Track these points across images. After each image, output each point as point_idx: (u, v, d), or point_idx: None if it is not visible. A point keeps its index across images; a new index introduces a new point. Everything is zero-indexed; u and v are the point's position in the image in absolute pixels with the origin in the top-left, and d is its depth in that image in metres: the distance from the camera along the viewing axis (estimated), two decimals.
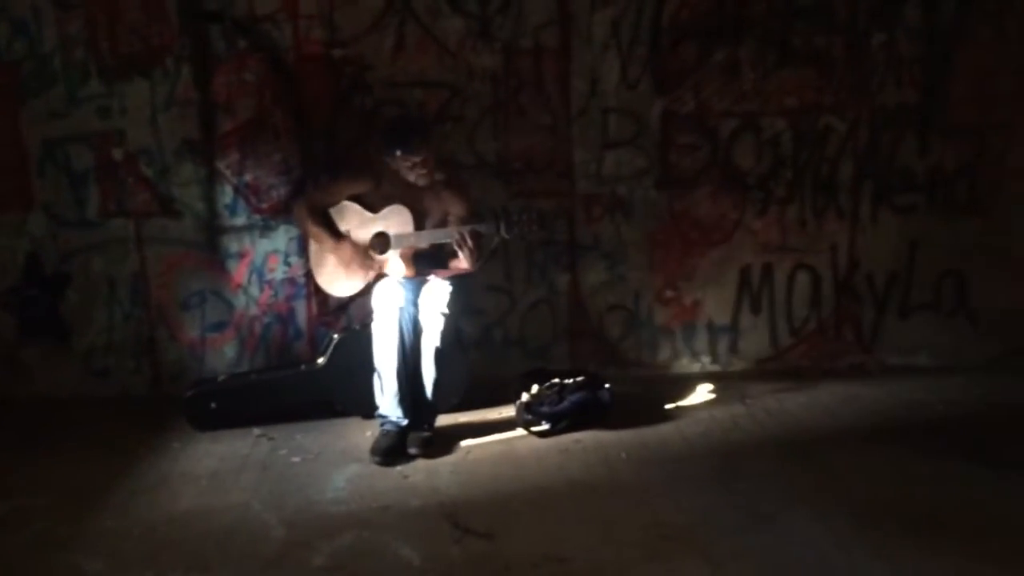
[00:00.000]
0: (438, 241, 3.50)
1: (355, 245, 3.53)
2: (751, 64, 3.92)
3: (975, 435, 3.48)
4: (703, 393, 3.99)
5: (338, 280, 3.62)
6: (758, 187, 4.06)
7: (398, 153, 3.37)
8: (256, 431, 3.62)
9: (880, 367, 4.21)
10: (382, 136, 3.48)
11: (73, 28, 3.69)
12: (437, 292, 3.46)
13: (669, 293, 4.14)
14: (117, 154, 3.80)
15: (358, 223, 3.55)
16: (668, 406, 3.83)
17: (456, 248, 3.44)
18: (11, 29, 3.68)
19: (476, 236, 3.44)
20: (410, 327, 3.45)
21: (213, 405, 3.64)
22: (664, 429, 3.62)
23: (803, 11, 3.89)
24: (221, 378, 3.78)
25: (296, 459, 3.39)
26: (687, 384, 4.07)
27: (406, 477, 3.24)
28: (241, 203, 3.90)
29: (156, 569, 2.64)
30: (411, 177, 3.44)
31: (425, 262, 3.56)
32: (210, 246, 3.92)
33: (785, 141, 4.01)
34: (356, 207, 3.55)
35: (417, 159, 3.37)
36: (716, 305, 4.17)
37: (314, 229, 3.54)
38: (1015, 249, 4.11)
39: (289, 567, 2.66)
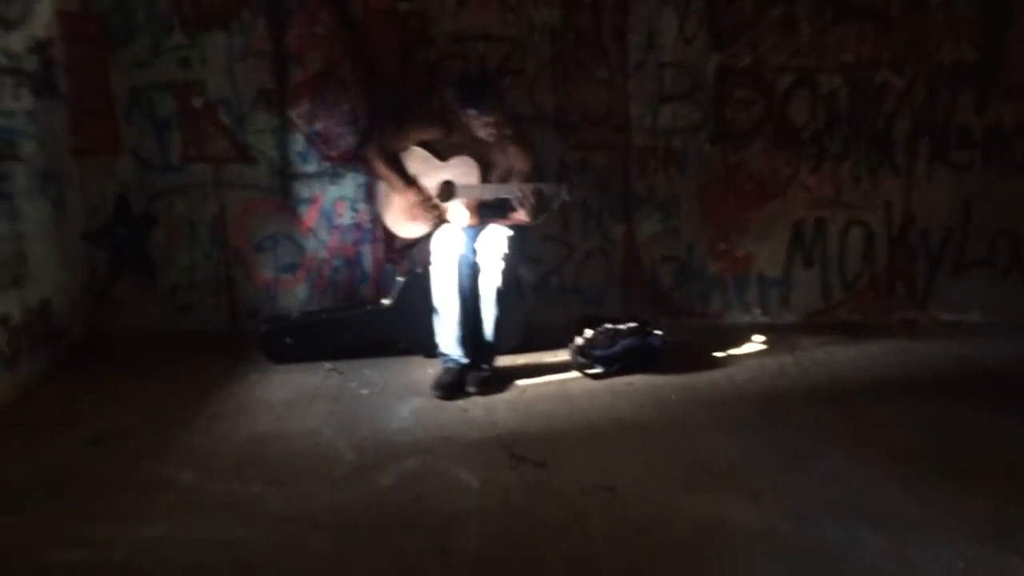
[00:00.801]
0: (501, 196, 3.66)
1: (421, 190, 3.71)
2: (808, 19, 3.98)
3: (1020, 389, 3.56)
4: (753, 343, 4.11)
5: (405, 221, 3.82)
6: (813, 142, 4.12)
7: (472, 112, 3.52)
8: (326, 365, 3.85)
9: (932, 323, 4.29)
10: (458, 92, 3.61)
11: None
12: (496, 237, 3.63)
13: (722, 245, 4.25)
14: (197, 102, 4.03)
15: (426, 169, 3.73)
16: (718, 354, 3.97)
17: (517, 204, 3.61)
18: None
19: (538, 194, 3.60)
20: (468, 271, 3.63)
21: (287, 340, 3.88)
22: (713, 375, 3.77)
23: None
24: (294, 315, 4.04)
25: (364, 391, 3.63)
26: (737, 334, 4.20)
27: (465, 411, 3.45)
28: (312, 151, 4.11)
29: (240, 481, 2.90)
30: (481, 134, 3.59)
31: (487, 212, 3.73)
32: (283, 192, 4.15)
33: (841, 97, 4.06)
34: (425, 153, 3.72)
35: (490, 119, 3.53)
36: (768, 258, 4.27)
37: (384, 171, 3.74)
38: None
39: (360, 485, 2.89)
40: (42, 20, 3.76)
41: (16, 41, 3.59)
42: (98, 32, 3.93)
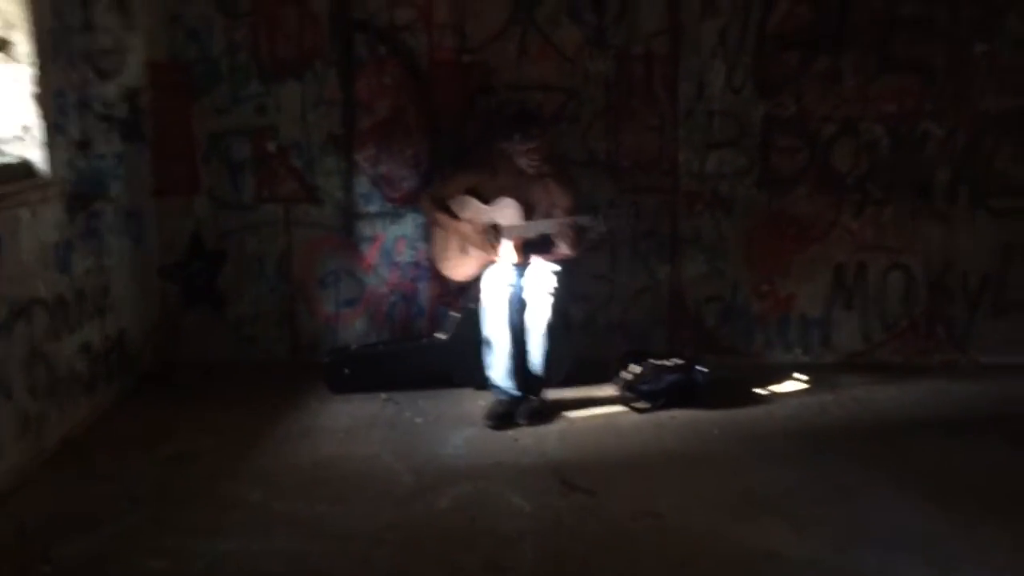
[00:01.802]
0: (543, 232, 3.86)
1: (471, 235, 3.92)
2: (852, 71, 4.14)
3: None
4: (794, 381, 4.22)
5: (458, 266, 4.04)
6: (855, 188, 4.26)
7: (516, 137, 3.75)
8: (383, 395, 4.03)
9: (973, 365, 4.35)
10: (505, 122, 3.88)
11: (239, 35, 4.18)
12: (543, 273, 3.81)
13: (765, 286, 4.38)
14: (271, 147, 4.28)
15: (474, 214, 3.94)
16: (759, 391, 4.08)
17: (558, 238, 3.80)
18: (186, 35, 4.19)
19: (576, 227, 3.79)
20: (517, 306, 3.81)
21: (347, 371, 4.08)
22: (755, 411, 3.88)
23: (904, 21, 4.08)
24: (354, 347, 4.25)
25: (419, 420, 3.81)
26: (779, 373, 4.29)
27: (516, 440, 3.61)
28: (375, 192, 4.34)
29: (306, 500, 3.09)
30: (523, 163, 3.80)
31: (532, 248, 3.92)
32: (346, 230, 4.37)
33: (883, 145, 4.21)
34: (472, 199, 3.94)
35: (532, 145, 3.75)
36: (810, 299, 4.39)
37: (437, 217, 3.96)
38: None
39: (418, 506, 3.06)
40: (133, 70, 4.07)
41: (110, 90, 3.89)
42: (182, 81, 4.22)
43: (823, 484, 3.18)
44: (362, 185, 4.34)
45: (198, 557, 2.74)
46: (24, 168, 3.38)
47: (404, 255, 4.40)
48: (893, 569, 2.63)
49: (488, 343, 3.84)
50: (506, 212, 3.87)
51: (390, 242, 4.39)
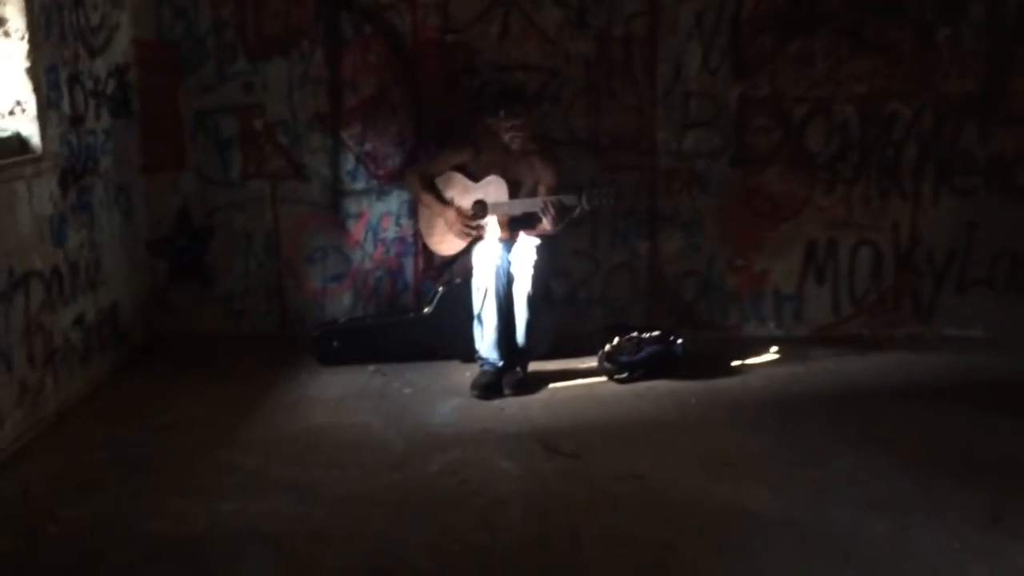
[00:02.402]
0: (528, 210, 3.98)
1: (458, 210, 4.03)
2: (824, 54, 4.28)
3: (1018, 397, 3.81)
4: (768, 353, 4.38)
5: (443, 241, 4.15)
6: (826, 167, 4.42)
7: (501, 114, 3.87)
8: (371, 367, 4.14)
9: (936, 337, 4.53)
10: (489, 99, 4.02)
11: (225, 13, 4.24)
12: (527, 248, 3.93)
13: (740, 262, 4.53)
14: (258, 124, 4.36)
15: (461, 190, 4.05)
16: (735, 363, 4.23)
17: (541, 215, 3.93)
18: (172, 13, 4.25)
19: (559, 206, 3.91)
20: (504, 280, 3.93)
21: (335, 344, 4.19)
22: (730, 381, 4.04)
23: (874, 6, 4.23)
24: (342, 321, 4.35)
25: (407, 391, 3.92)
26: (753, 345, 4.44)
27: (502, 409, 3.74)
28: (361, 170, 4.43)
29: (301, 465, 3.20)
30: (506, 138, 3.92)
31: (517, 225, 4.04)
32: (333, 207, 4.46)
33: (853, 125, 4.36)
34: (459, 176, 4.05)
35: (517, 122, 3.87)
36: (783, 275, 4.54)
37: (423, 195, 4.07)
38: None
39: (410, 470, 3.19)
40: (121, 47, 4.13)
41: (99, 67, 3.95)
42: (169, 58, 4.27)
43: (793, 447, 3.35)
44: (348, 162, 4.43)
45: (199, 518, 2.85)
46: (19, 142, 3.45)
47: (389, 231, 4.50)
48: (857, 524, 2.79)
49: (477, 317, 3.95)
50: (492, 189, 3.99)
51: (376, 218, 4.49)
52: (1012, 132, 4.33)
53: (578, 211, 4.01)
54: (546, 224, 3.94)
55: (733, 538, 2.75)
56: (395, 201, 4.46)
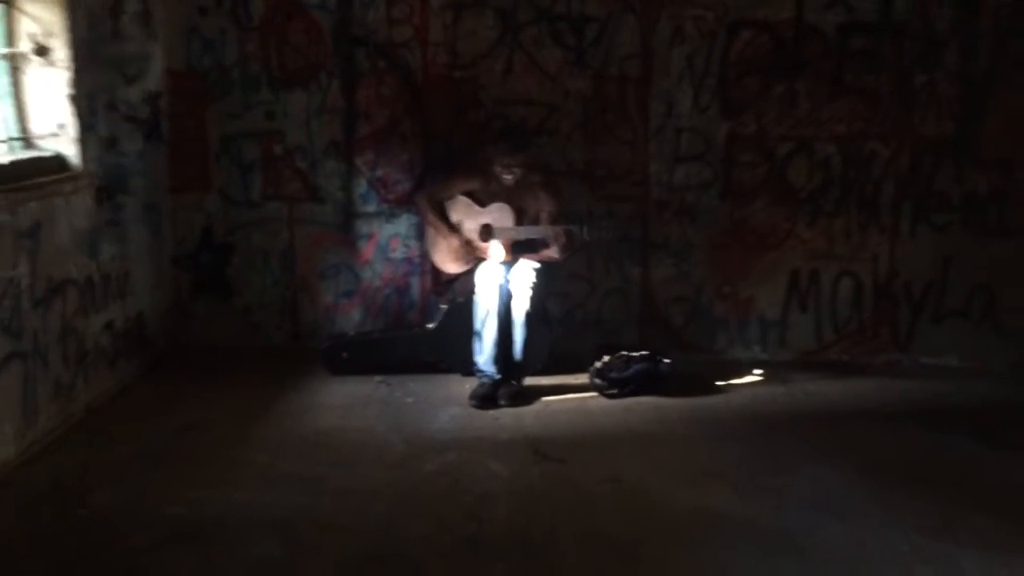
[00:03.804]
0: (532, 236, 4.28)
1: (464, 233, 4.34)
2: (807, 96, 4.57)
3: (985, 423, 4.02)
4: (751, 375, 4.63)
5: (449, 260, 4.45)
6: (809, 201, 4.69)
7: (500, 151, 4.19)
8: (377, 378, 4.41)
9: (913, 365, 4.77)
10: (492, 136, 4.35)
11: (250, 47, 4.58)
12: (526, 270, 4.22)
13: (727, 289, 4.79)
14: (278, 149, 4.68)
15: (467, 214, 4.36)
16: (719, 383, 4.49)
17: (550, 242, 4.21)
18: (202, 46, 4.59)
19: (568, 234, 4.20)
20: (504, 299, 4.22)
21: (344, 355, 4.47)
22: (713, 400, 4.29)
23: (854, 52, 4.52)
24: (351, 334, 4.65)
25: (409, 399, 4.20)
26: (738, 368, 4.68)
27: (497, 419, 4.01)
28: (372, 194, 4.74)
29: (308, 462, 3.48)
30: (503, 175, 4.22)
31: (519, 249, 4.34)
32: (345, 228, 4.77)
33: (834, 163, 4.64)
34: (467, 201, 4.36)
35: (511, 162, 4.18)
36: (768, 302, 4.80)
37: (431, 217, 4.38)
38: None
39: (408, 470, 3.46)
40: (154, 76, 4.47)
41: (134, 93, 4.29)
42: (198, 87, 4.61)
43: (765, 459, 3.60)
44: (360, 187, 4.74)
45: (214, 506, 3.12)
46: (59, 161, 3.78)
47: (398, 252, 4.80)
48: (815, 527, 3.05)
49: (477, 332, 4.24)
50: (497, 215, 4.29)
51: (385, 240, 4.79)
52: (984, 173, 4.59)
53: (579, 240, 4.29)
54: (553, 251, 4.22)
55: (700, 535, 3.00)
56: (404, 224, 4.77)
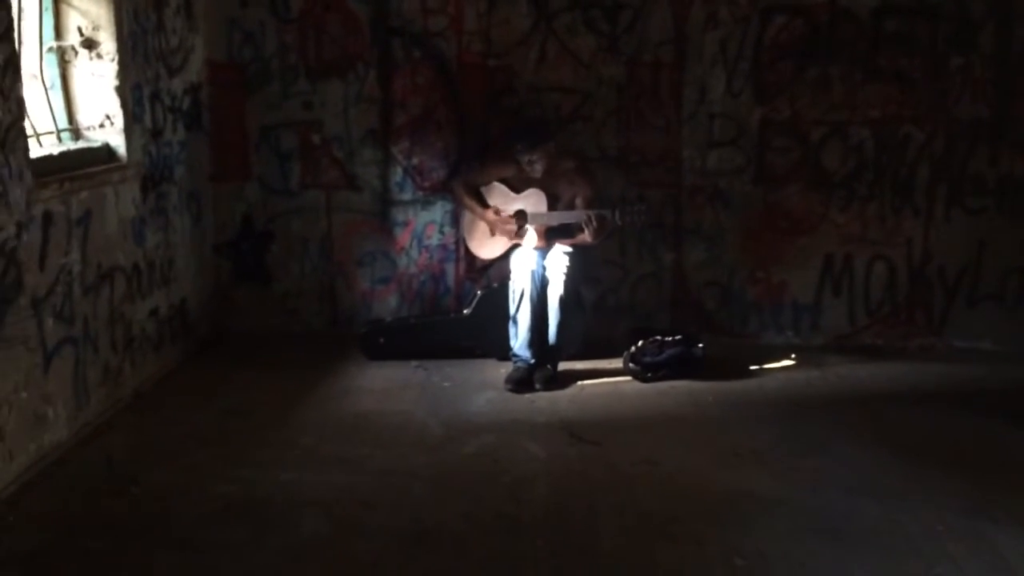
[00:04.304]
0: (566, 221, 4.33)
1: (496, 210, 4.40)
2: (840, 79, 4.57)
3: (1018, 405, 4.03)
4: (784, 360, 4.65)
5: (484, 246, 4.52)
6: (843, 186, 4.70)
7: (520, 147, 4.25)
8: (414, 363, 4.50)
9: (947, 349, 4.77)
10: (515, 130, 4.41)
11: (289, 38, 4.67)
12: (561, 256, 4.27)
13: (760, 274, 4.82)
14: (316, 139, 4.76)
15: (502, 201, 4.43)
16: (752, 367, 4.52)
17: (584, 226, 4.26)
18: (242, 38, 4.68)
19: (601, 219, 4.25)
20: (538, 284, 4.28)
21: (381, 340, 4.56)
22: (747, 383, 4.33)
23: (888, 36, 4.52)
24: (388, 320, 4.74)
25: (446, 384, 4.28)
26: (771, 352, 4.71)
27: (533, 402, 4.08)
28: (408, 182, 4.81)
29: (350, 444, 3.57)
30: (527, 168, 4.28)
31: (554, 235, 4.39)
32: (382, 215, 4.85)
33: (868, 147, 4.65)
34: (502, 187, 4.43)
35: (532, 156, 4.24)
36: (801, 286, 4.82)
37: (468, 202, 4.45)
38: None
39: (447, 451, 3.54)
40: (195, 67, 4.57)
41: (177, 85, 4.39)
42: (238, 78, 4.70)
43: (799, 440, 3.64)
44: (396, 175, 4.81)
45: (261, 485, 3.22)
46: (107, 152, 3.88)
47: (433, 239, 4.87)
48: (850, 507, 3.08)
49: (512, 317, 4.31)
50: (532, 201, 4.35)
51: (421, 227, 4.86)
52: (1021, 155, 4.57)
53: (612, 225, 4.33)
54: (587, 235, 4.27)
55: (735, 515, 3.05)
56: (439, 211, 4.84)
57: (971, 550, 2.84)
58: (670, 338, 4.39)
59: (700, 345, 4.42)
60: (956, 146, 4.61)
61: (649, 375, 4.33)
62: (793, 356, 4.69)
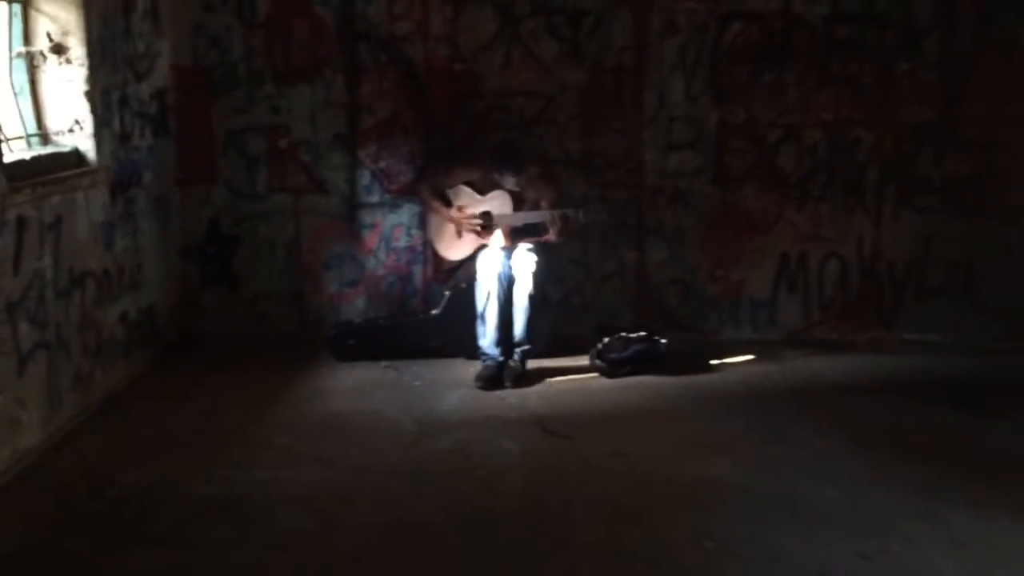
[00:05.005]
0: (531, 221, 4.44)
1: (466, 220, 4.49)
2: (794, 84, 4.75)
3: (966, 393, 4.23)
4: (743, 355, 4.80)
5: (451, 247, 4.61)
6: (797, 186, 4.87)
7: (505, 174, 4.37)
8: (383, 363, 4.56)
9: (897, 342, 4.97)
10: (492, 156, 4.43)
11: (255, 42, 4.70)
12: (527, 255, 4.37)
13: (719, 272, 4.97)
14: (283, 143, 4.80)
15: (468, 202, 4.52)
16: (714, 362, 4.66)
17: (548, 225, 4.37)
18: (208, 42, 4.70)
19: (564, 218, 4.36)
20: (505, 284, 4.38)
21: (351, 342, 4.61)
22: (709, 377, 4.48)
23: (839, 42, 4.70)
24: (357, 322, 4.79)
25: (417, 383, 4.35)
26: (731, 348, 4.85)
27: (503, 399, 4.17)
28: (376, 185, 4.87)
29: (325, 443, 3.63)
30: (508, 186, 4.41)
31: (519, 235, 4.49)
32: (350, 218, 4.90)
33: (821, 149, 4.83)
34: (468, 189, 4.52)
35: (510, 183, 4.37)
36: (758, 283, 4.98)
37: (435, 204, 4.53)
38: (1016, 246, 4.82)
39: (422, 448, 3.62)
40: (161, 72, 4.58)
41: (144, 90, 4.40)
42: (204, 83, 4.72)
43: (762, 431, 3.79)
44: (364, 178, 4.87)
45: (239, 484, 3.27)
46: (76, 157, 3.89)
47: (400, 241, 4.94)
48: (811, 490, 3.24)
49: (480, 316, 4.39)
50: (497, 202, 4.44)
51: (388, 229, 4.93)
52: (964, 156, 4.79)
53: (575, 224, 4.45)
54: (552, 234, 4.38)
55: (703, 501, 3.18)
56: (406, 214, 4.91)
57: (923, 527, 3.00)
58: (634, 335, 4.52)
59: (663, 341, 4.55)
60: (903, 148, 4.82)
61: (615, 371, 4.44)
62: (751, 351, 4.84)
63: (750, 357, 4.76)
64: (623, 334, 4.52)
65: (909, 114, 4.77)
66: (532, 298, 4.34)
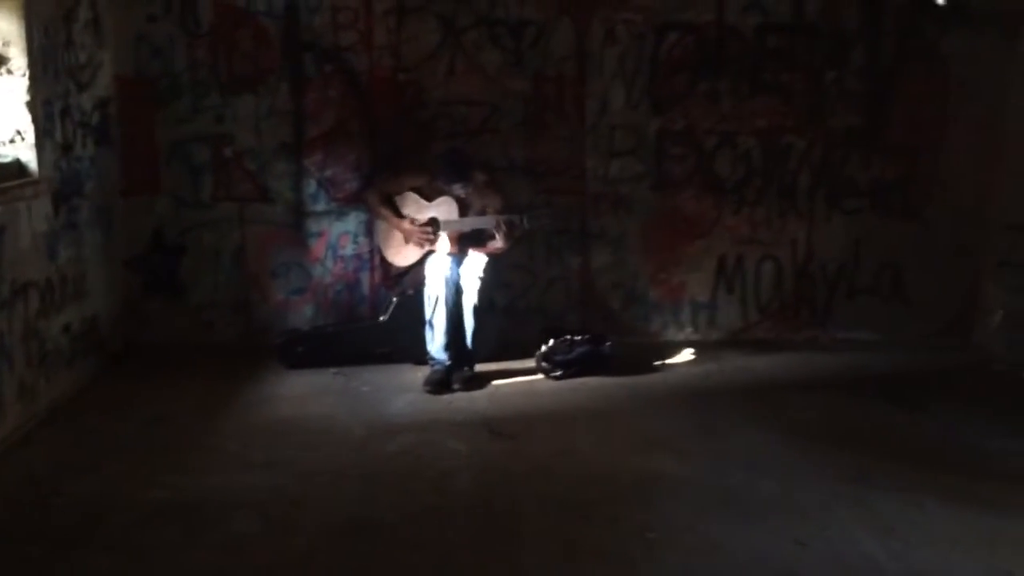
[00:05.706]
0: (477, 227, 4.53)
1: (412, 221, 4.55)
2: (729, 93, 4.92)
3: (895, 388, 4.44)
4: (685, 355, 4.96)
5: (399, 253, 4.67)
6: (733, 191, 5.04)
7: (455, 185, 4.43)
8: (332, 370, 4.59)
9: (830, 340, 5.17)
10: (441, 167, 4.45)
11: (199, 53, 4.71)
12: (474, 263, 4.47)
13: (660, 275, 5.12)
14: (228, 152, 4.81)
15: (415, 209, 4.58)
16: (656, 362, 4.80)
17: (495, 231, 4.46)
18: (151, 52, 4.70)
19: (510, 224, 4.46)
20: (453, 290, 4.45)
21: (299, 349, 4.64)
22: (652, 377, 4.61)
23: (771, 52, 4.88)
24: (305, 329, 4.82)
25: (365, 388, 4.39)
26: (673, 348, 5.01)
27: (451, 402, 4.24)
28: (322, 193, 4.91)
29: (276, 448, 3.66)
30: (456, 193, 4.48)
31: (466, 242, 4.58)
32: (296, 227, 4.93)
33: (756, 155, 5.01)
34: (415, 196, 4.58)
35: (464, 192, 4.44)
36: (698, 286, 5.13)
37: (382, 211, 4.59)
38: (941, 247, 5.06)
39: (371, 451, 3.67)
40: (103, 82, 4.56)
41: (86, 100, 4.38)
42: (147, 93, 4.71)
43: (702, 426, 3.92)
44: (310, 186, 4.91)
45: (189, 490, 3.28)
46: (18, 167, 3.86)
47: (347, 248, 4.98)
48: (749, 482, 3.37)
49: (428, 322, 4.46)
50: (444, 208, 4.52)
51: (335, 237, 4.96)
52: (889, 160, 5.01)
53: (521, 230, 4.55)
54: (499, 241, 4.47)
55: (646, 495, 3.29)
56: (353, 221, 4.95)
57: (855, 514, 3.15)
58: (579, 337, 4.63)
59: (608, 343, 4.66)
60: (833, 153, 5.02)
61: (561, 373, 4.54)
62: (693, 351, 4.99)
63: (691, 357, 4.91)
64: (568, 337, 4.62)
65: (837, 121, 4.97)
66: (477, 307, 4.43)
